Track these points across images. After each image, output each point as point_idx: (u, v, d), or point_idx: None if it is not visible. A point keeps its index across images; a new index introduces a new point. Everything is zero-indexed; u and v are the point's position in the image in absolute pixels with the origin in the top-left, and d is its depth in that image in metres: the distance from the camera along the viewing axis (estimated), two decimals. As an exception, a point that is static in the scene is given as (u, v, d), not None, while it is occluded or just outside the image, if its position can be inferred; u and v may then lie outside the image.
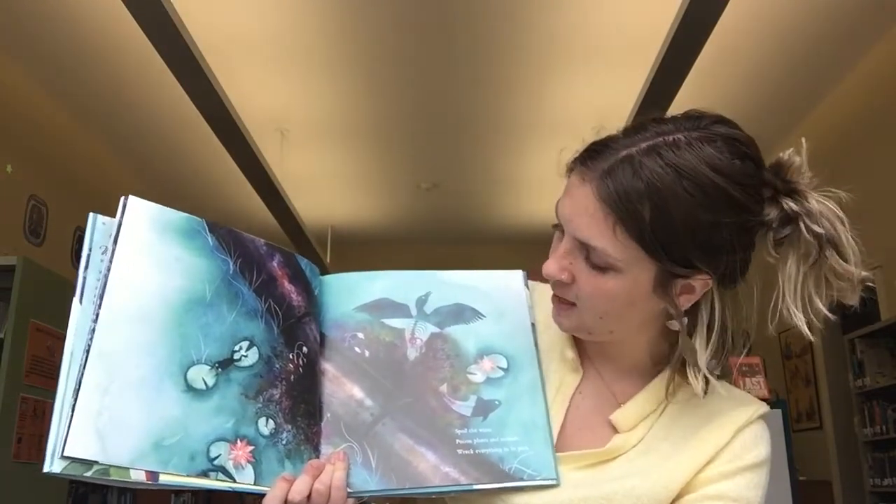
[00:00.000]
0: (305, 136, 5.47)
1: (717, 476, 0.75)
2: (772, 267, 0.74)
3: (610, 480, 0.74)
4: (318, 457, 0.74)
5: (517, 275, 0.87)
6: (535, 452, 0.75)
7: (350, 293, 0.82)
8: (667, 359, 0.78)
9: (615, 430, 0.78)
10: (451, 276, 0.85)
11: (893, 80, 4.23)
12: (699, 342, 0.73)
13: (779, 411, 3.09)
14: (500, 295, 0.84)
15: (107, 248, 0.69)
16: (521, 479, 0.73)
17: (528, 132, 5.25)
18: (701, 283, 0.72)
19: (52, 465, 0.62)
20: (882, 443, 4.27)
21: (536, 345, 0.82)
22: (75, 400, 0.63)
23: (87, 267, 0.69)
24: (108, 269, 0.68)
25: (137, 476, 0.63)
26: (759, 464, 0.76)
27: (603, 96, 4.83)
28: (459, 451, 0.74)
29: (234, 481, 0.68)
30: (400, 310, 0.82)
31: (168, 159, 5.94)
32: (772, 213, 0.73)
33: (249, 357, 0.72)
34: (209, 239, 0.74)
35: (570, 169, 0.75)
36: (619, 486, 0.74)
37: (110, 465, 0.63)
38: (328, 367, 0.78)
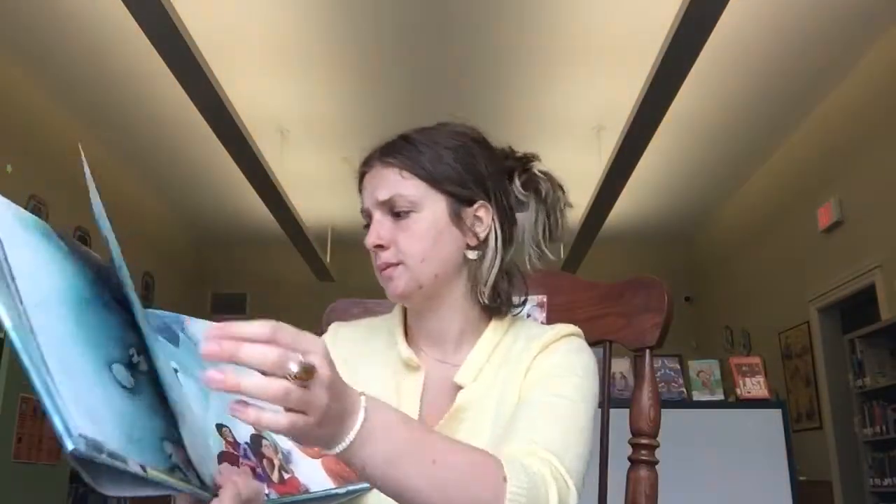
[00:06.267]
0: (305, 137, 5.47)
1: (532, 378, 0.85)
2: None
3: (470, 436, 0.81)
4: None
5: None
6: None
7: None
8: (480, 318, 0.91)
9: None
10: None
11: (893, 82, 4.23)
12: (486, 265, 0.88)
13: (779, 411, 3.09)
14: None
15: None
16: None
17: (529, 132, 5.24)
18: (484, 210, 0.89)
19: (71, 442, 0.50)
20: (882, 443, 4.27)
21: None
22: (52, 377, 0.52)
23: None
24: (5, 256, 0.58)
25: (132, 467, 0.54)
26: (565, 367, 0.85)
27: (603, 96, 4.83)
28: None
29: (190, 483, 0.61)
30: None
31: (168, 159, 5.94)
32: (510, 161, 0.96)
33: (143, 363, 0.64)
34: (60, 244, 0.67)
35: (360, 179, 0.91)
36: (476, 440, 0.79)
37: (110, 451, 0.52)
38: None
